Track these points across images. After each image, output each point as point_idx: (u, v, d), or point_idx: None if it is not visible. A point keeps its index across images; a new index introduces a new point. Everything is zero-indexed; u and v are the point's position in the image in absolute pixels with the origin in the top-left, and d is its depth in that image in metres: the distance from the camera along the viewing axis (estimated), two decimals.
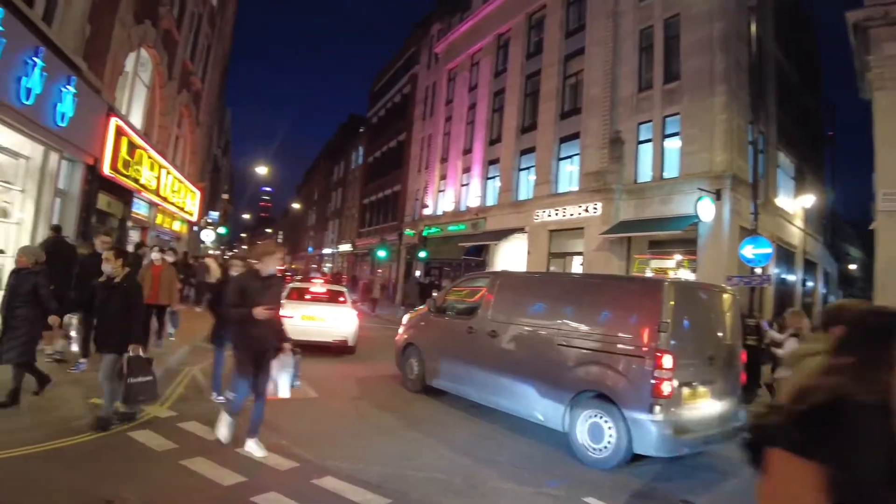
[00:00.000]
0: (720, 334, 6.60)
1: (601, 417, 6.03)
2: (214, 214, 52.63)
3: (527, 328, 7.26)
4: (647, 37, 18.71)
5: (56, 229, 9.09)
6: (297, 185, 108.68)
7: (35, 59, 8.64)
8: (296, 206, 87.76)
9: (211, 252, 36.92)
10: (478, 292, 8.65)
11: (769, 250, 12.15)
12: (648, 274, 17.75)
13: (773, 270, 18.43)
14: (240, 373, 5.50)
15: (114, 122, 12.49)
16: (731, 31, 16.02)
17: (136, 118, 15.95)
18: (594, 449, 6.02)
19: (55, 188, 10.68)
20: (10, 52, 7.93)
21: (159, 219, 19.47)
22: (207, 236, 38.52)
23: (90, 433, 5.50)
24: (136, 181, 14.62)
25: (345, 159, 59.74)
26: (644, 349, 5.81)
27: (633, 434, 5.71)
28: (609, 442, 5.91)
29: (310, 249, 75.71)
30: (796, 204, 20.84)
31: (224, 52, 36.83)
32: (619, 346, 6.07)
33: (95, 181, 12.23)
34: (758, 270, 12.73)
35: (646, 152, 18.24)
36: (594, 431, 6.07)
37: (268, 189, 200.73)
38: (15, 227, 9.95)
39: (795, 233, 20.90)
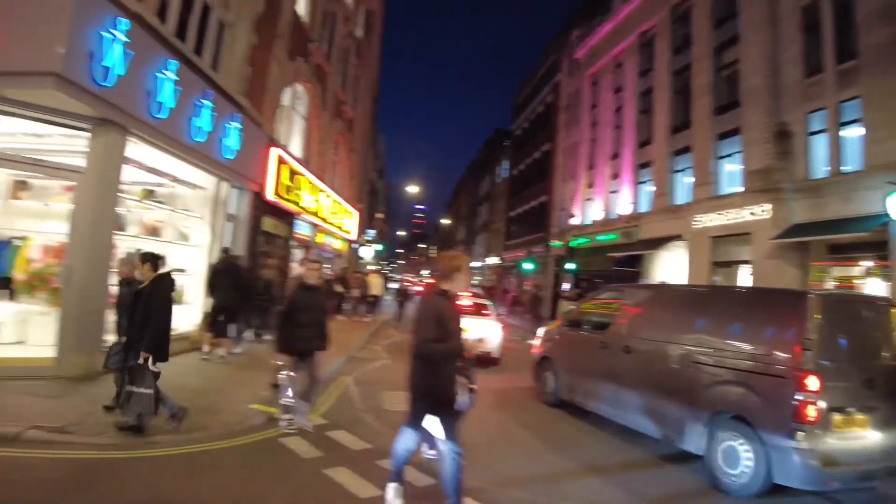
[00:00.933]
0: (885, 355, 5.65)
1: (738, 441, 5.50)
2: (371, 233, 55.57)
3: (661, 344, 6.84)
4: (812, 13, 16.59)
5: (225, 251, 10.08)
6: (446, 202, 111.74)
7: (204, 101, 9.75)
8: (445, 221, 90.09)
9: (370, 268, 39.13)
10: (611, 306, 8.46)
11: None
12: (829, 285, 15.67)
13: None
14: (415, 423, 4.46)
15: (274, 152, 13.69)
16: None
17: (295, 147, 17.27)
18: (731, 475, 5.50)
19: (226, 214, 12.13)
20: (184, 97, 8.93)
21: (320, 238, 20.86)
22: (366, 253, 40.76)
23: (248, 436, 5.98)
24: (297, 204, 15.82)
25: (490, 173, 60.36)
26: (785, 368, 5.26)
27: (772, 461, 5.15)
28: (746, 468, 5.36)
29: None
30: None
31: (373, 81, 38.91)
32: (759, 364, 5.55)
33: (261, 206, 13.51)
34: None
35: (819, 144, 16.15)
36: (731, 456, 5.55)
37: (420, 207, 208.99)
38: (194, 249, 11.10)
39: None
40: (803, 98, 16.63)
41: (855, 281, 15.01)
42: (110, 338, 8.41)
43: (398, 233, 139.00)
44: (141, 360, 5.52)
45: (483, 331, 12.19)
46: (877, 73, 14.39)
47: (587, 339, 8.43)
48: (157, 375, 5.62)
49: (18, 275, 8.18)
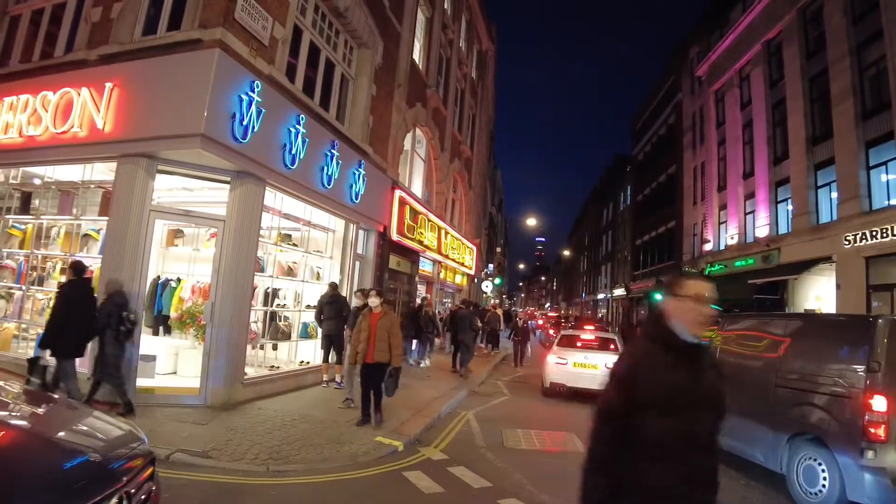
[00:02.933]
0: None
1: (815, 460, 5.87)
2: (490, 267, 55.98)
3: (740, 369, 7.32)
4: None
5: (333, 286, 10.69)
6: (568, 233, 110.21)
7: (332, 151, 10.45)
8: (566, 252, 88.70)
9: (493, 301, 39.23)
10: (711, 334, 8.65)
11: None
12: None
13: None
14: None
15: (397, 194, 14.28)
16: None
17: (417, 188, 17.82)
18: (810, 493, 5.87)
19: (355, 253, 12.84)
20: (313, 148, 9.64)
21: (443, 274, 21.27)
22: (486, 287, 41.00)
23: (373, 468, 6.19)
24: (420, 242, 16.30)
25: (613, 201, 58.77)
26: (855, 390, 5.55)
27: (845, 480, 5.44)
28: (823, 486, 5.70)
29: (583, 295, 75.45)
30: None
31: (488, 118, 39.57)
32: (831, 387, 5.86)
33: (386, 245, 14.13)
34: None
35: None
36: (809, 474, 5.92)
37: (541, 239, 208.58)
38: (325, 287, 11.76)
39: None
40: None
41: None
42: (249, 370, 9.16)
43: (519, 266, 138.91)
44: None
45: (609, 365, 11.82)
46: None
47: None
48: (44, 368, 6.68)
49: (173, 313, 9.18)
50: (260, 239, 9.17)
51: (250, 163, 8.27)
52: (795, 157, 21.90)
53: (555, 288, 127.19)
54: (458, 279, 24.49)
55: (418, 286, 18.33)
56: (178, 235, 10.07)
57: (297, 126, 9.27)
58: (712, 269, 27.98)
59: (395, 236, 14.23)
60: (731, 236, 27.41)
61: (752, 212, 25.36)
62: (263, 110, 8.15)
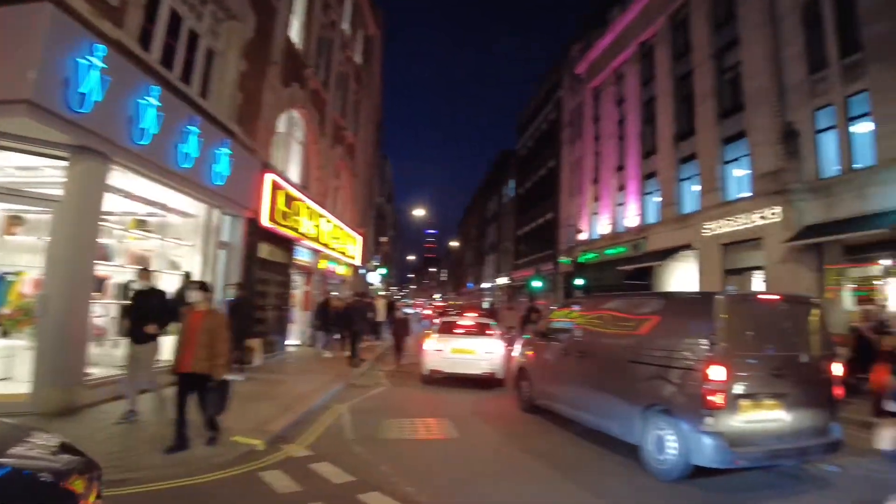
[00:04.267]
0: (794, 346, 6.26)
1: (664, 429, 6.09)
2: (376, 258, 55.43)
3: (600, 347, 7.70)
4: (813, 8, 16.16)
5: (186, 275, 9.93)
6: (457, 225, 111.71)
7: (192, 127, 9.56)
8: (454, 244, 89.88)
9: (381, 293, 38.73)
10: (570, 315, 9.12)
11: None
12: (848, 287, 15.00)
13: None
14: None
15: (269, 178, 13.44)
16: None
17: (294, 173, 17.03)
18: (659, 460, 6.10)
19: (218, 241, 11.86)
20: (169, 123, 8.85)
21: (323, 264, 20.53)
22: (374, 278, 40.56)
23: (226, 470, 5.69)
24: (296, 230, 15.51)
25: (498, 194, 60.18)
26: (696, 362, 5.87)
27: (690, 446, 5.72)
28: (671, 453, 5.95)
29: (469, 285, 76.83)
30: None
31: (375, 106, 38.93)
32: (677, 359, 6.14)
33: (256, 233, 13.27)
34: None
35: (828, 142, 15.56)
36: (659, 443, 6.13)
37: (432, 231, 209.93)
38: (183, 277, 10.85)
39: None
40: (809, 95, 16.14)
41: (874, 282, 14.38)
42: (94, 370, 8.18)
43: (408, 258, 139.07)
44: None
45: (486, 351, 12.09)
46: (883, 64, 13.91)
47: (548, 347, 9.22)
48: None
49: (5, 310, 8.01)
50: (105, 224, 8.27)
51: (91, 136, 7.29)
52: (663, 151, 23.40)
53: (445, 279, 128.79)
54: (342, 269, 23.83)
55: (295, 277, 17.55)
56: (18, 223, 8.76)
57: (151, 98, 8.33)
58: (586, 257, 29.28)
59: (266, 223, 13.39)
60: (603, 226, 28.79)
61: (623, 203, 26.84)
62: (109, 78, 7.19)
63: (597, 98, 31.50)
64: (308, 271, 18.77)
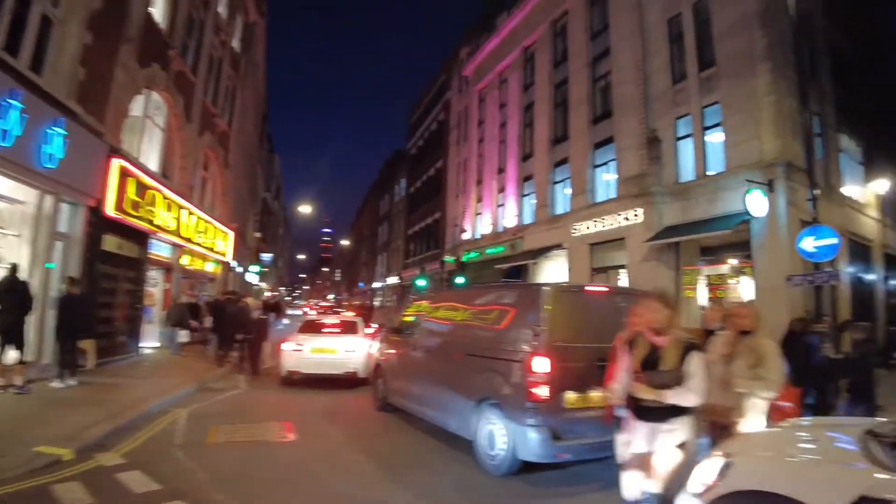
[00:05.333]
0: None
1: (496, 424, 5.98)
2: (267, 257, 53.39)
3: (442, 341, 7.61)
4: (677, 25, 17.26)
5: (12, 271, 8.83)
6: (350, 224, 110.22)
7: (10, 101, 8.46)
8: (345, 242, 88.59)
9: (270, 293, 37.00)
10: (419, 310, 8.94)
11: (834, 241, 10.37)
12: (702, 284, 16.04)
13: (848, 269, 16.41)
14: None
15: (116, 163, 12.28)
16: (770, 3, 14.38)
17: (153, 160, 15.79)
18: (490, 456, 6.01)
19: (54, 231, 10.62)
20: None
21: (189, 260, 19.22)
22: (254, 277, 38.89)
23: (13, 484, 5.06)
24: (151, 222, 14.31)
25: (390, 193, 59.85)
26: (521, 354, 5.78)
27: (516, 440, 5.64)
28: (501, 448, 5.85)
29: (360, 285, 76.00)
30: (867, 192, 18.67)
31: (258, 96, 37.45)
32: (504, 352, 6.07)
33: (100, 223, 12.03)
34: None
35: (686, 149, 16.59)
36: (490, 438, 6.04)
37: (328, 230, 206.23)
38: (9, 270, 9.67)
39: (869, 224, 18.51)
40: (671, 105, 17.13)
41: (729, 281, 15.42)
42: None
43: (299, 256, 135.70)
44: None
45: (349, 350, 11.69)
46: (733, 79, 15.01)
47: (400, 342, 9.00)
48: None
49: None
50: None
51: None
52: (539, 155, 24.07)
53: (339, 279, 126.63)
54: (210, 267, 22.46)
55: (153, 273, 16.27)
56: None
57: None
58: (469, 256, 29.61)
59: (111, 213, 12.17)
60: (485, 226, 29.24)
61: (503, 204, 27.38)
62: None
63: (482, 101, 31.94)
64: (168, 267, 17.46)
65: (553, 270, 21.93)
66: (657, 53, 17.86)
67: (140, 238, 14.54)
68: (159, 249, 16.32)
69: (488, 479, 5.86)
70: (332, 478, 5.83)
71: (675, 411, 3.64)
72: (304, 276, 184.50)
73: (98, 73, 11.54)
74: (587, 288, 6.69)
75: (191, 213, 17.68)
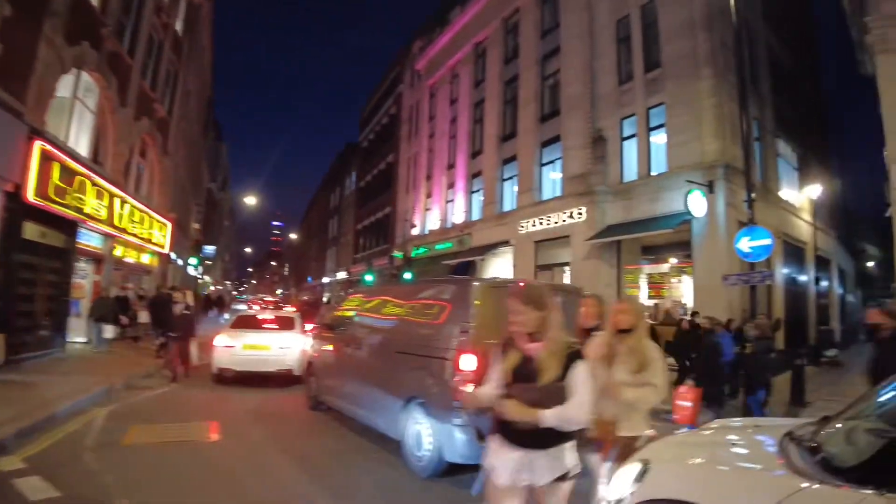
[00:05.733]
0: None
1: (422, 424, 5.79)
2: (210, 249, 51.95)
3: (372, 337, 7.35)
4: (625, 27, 17.51)
5: None
6: (301, 217, 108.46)
7: None
8: (293, 236, 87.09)
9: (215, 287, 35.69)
10: (354, 306, 8.68)
11: (768, 241, 10.59)
12: (643, 282, 16.31)
13: (783, 269, 16.95)
14: None
15: (38, 145, 11.48)
16: (714, 9, 14.67)
17: (83, 144, 14.98)
18: (417, 457, 5.83)
19: None
20: None
21: (123, 252, 18.39)
22: (193, 270, 37.75)
23: None
24: (79, 210, 13.55)
25: (340, 186, 58.96)
26: (448, 352, 5.56)
27: (442, 440, 5.46)
28: (428, 449, 5.66)
29: (309, 279, 74.87)
30: (802, 196, 19.37)
31: (204, 83, 36.27)
32: (431, 350, 5.85)
33: (19, 209, 11.24)
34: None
35: (630, 149, 16.83)
36: (418, 439, 5.84)
37: (278, 224, 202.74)
38: None
39: (804, 227, 19.21)
40: (617, 105, 17.33)
41: (666, 279, 15.71)
42: None
43: (246, 249, 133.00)
44: None
45: (283, 347, 11.23)
46: (678, 81, 15.26)
47: (332, 339, 8.63)
48: None
49: None
50: None
51: None
52: (488, 152, 24.06)
53: (288, 273, 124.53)
54: (147, 258, 21.60)
55: (79, 264, 15.45)
56: None
57: None
58: (417, 251, 29.44)
59: (32, 198, 11.44)
60: (434, 222, 29.12)
61: (453, 200, 27.28)
62: None
63: (433, 96, 31.76)
64: (98, 258, 16.63)
65: (500, 267, 21.91)
66: (605, 54, 18.03)
67: (67, 227, 13.76)
68: (89, 239, 15.52)
69: (413, 480, 5.67)
70: (250, 479, 5.54)
71: (555, 436, 2.79)
72: (251, 270, 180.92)
73: (18, 49, 10.79)
74: (520, 284, 6.48)
75: (124, 202, 16.90)
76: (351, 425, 7.65)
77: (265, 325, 12.21)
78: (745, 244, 10.89)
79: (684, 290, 15.25)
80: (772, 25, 18.58)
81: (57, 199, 12.44)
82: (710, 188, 13.85)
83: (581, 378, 2.82)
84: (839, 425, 3.22)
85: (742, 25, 13.13)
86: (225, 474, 5.69)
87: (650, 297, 16.39)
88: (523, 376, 2.89)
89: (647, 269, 16.52)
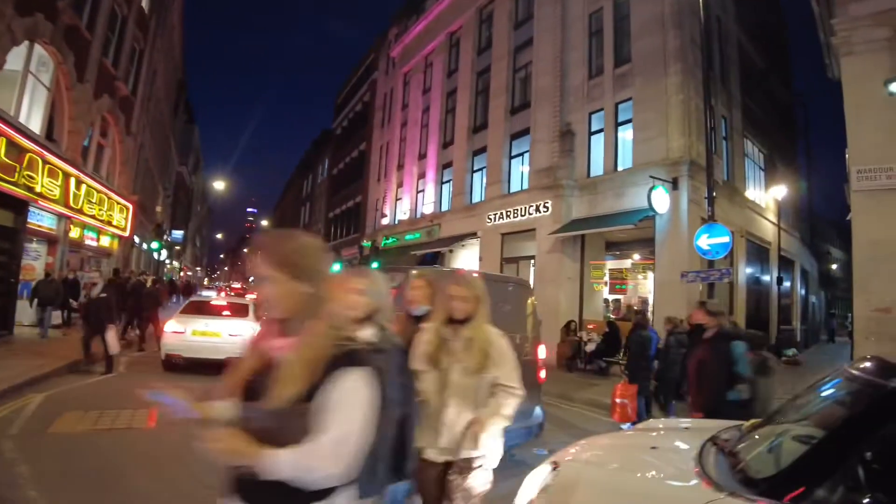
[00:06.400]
0: (504, 327, 5.79)
1: None
2: (178, 234, 51.05)
3: None
4: (597, 20, 17.34)
5: None
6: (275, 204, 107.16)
7: None
8: (265, 223, 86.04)
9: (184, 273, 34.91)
10: None
11: (726, 239, 10.60)
12: (605, 279, 16.32)
13: (746, 269, 17.09)
14: None
15: None
16: (685, 5, 14.53)
17: (35, 121, 14.49)
18: None
19: None
20: None
21: (79, 233, 17.86)
22: (161, 255, 37.05)
23: None
24: (30, 189, 13.11)
25: (313, 174, 58.19)
26: None
27: None
28: None
29: None
30: (768, 196, 19.54)
31: (174, 62, 35.41)
32: None
33: None
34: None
35: (598, 143, 16.69)
36: None
37: (252, 210, 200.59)
38: None
39: (768, 228, 19.34)
40: (586, 99, 17.20)
41: (627, 275, 15.71)
42: None
43: (217, 236, 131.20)
44: None
45: (235, 333, 10.90)
46: (645, 77, 15.18)
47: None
48: None
49: None
50: None
51: None
52: (459, 142, 23.82)
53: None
54: (107, 241, 21.01)
55: (31, 245, 14.95)
56: None
57: None
58: (387, 241, 29.17)
59: None
60: (404, 212, 28.85)
61: (423, 190, 26.98)
62: None
63: (407, 84, 31.37)
64: (52, 239, 16.10)
65: (468, 259, 21.76)
66: (576, 47, 17.88)
67: (17, 206, 13.28)
68: (41, 219, 15.00)
69: None
70: (174, 466, 5.37)
71: (288, 496, 1.56)
72: (223, 256, 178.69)
73: None
74: (459, 271, 6.25)
75: (80, 182, 16.41)
76: None
77: (217, 312, 11.93)
78: (704, 241, 10.90)
79: (648, 287, 15.26)
80: (744, 26, 18.64)
81: (3, 177, 12.05)
82: (673, 185, 13.82)
83: (342, 399, 1.59)
84: (767, 429, 3.09)
85: (713, 22, 13.16)
86: (148, 464, 5.50)
87: (612, 293, 16.42)
88: (254, 392, 1.72)
89: (611, 264, 16.49)
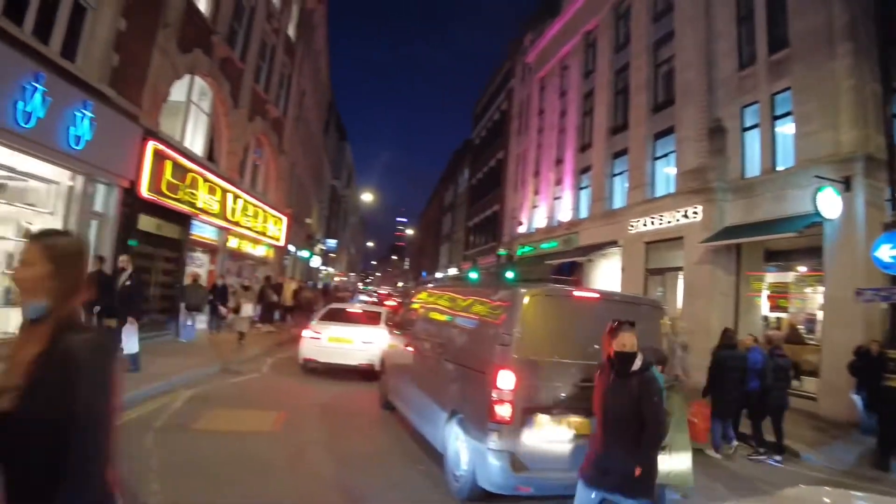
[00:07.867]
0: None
1: (463, 442, 5.25)
2: (332, 243, 54.12)
3: (429, 340, 7.02)
4: (747, 3, 15.58)
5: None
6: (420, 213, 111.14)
7: (35, 84, 8.73)
8: (410, 232, 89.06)
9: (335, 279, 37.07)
10: (420, 304, 8.50)
11: None
12: (765, 294, 14.49)
13: None
14: None
15: (151, 145, 12.49)
16: None
17: (198, 144, 16.02)
18: (455, 476, 5.36)
19: (85, 210, 10.86)
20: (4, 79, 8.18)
21: (238, 244, 19.53)
22: (314, 262, 39.51)
23: None
24: (192, 205, 14.52)
25: (454, 183, 59.41)
26: (486, 365, 5.00)
27: (477, 463, 4.91)
28: (465, 469, 5.15)
29: (423, 274, 76.29)
30: None
31: (322, 85, 37.72)
32: (475, 361, 5.36)
33: (135, 204, 12.37)
34: None
35: (753, 141, 14.95)
36: (457, 457, 5.35)
37: (402, 219, 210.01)
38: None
39: None
40: (737, 92, 15.53)
41: (805, 290, 13.81)
42: None
43: (368, 244, 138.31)
44: None
45: (367, 341, 11.26)
46: (807, 61, 13.28)
47: (399, 337, 8.64)
48: None
49: None
50: None
51: None
52: (598, 145, 22.76)
53: (408, 268, 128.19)
54: (262, 251, 22.73)
55: (193, 254, 16.49)
56: None
57: None
58: (523, 250, 28.69)
59: (146, 194, 12.40)
60: (541, 220, 28.16)
61: (560, 197, 26.15)
62: None
63: (543, 89, 30.76)
64: (213, 249, 17.69)
65: (608, 270, 20.65)
66: (724, 35, 16.27)
67: (182, 219, 14.77)
68: (202, 231, 16.50)
69: (446, 501, 5.28)
70: (283, 475, 5.52)
71: None
72: (375, 263, 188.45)
73: (133, 58, 11.76)
74: (576, 294, 5.69)
75: (237, 197, 17.80)
76: (411, 430, 7.45)
77: (352, 319, 12.32)
78: (885, 252, 9.26)
79: (816, 304, 13.29)
80: None
81: (169, 195, 13.50)
82: (846, 185, 11.97)
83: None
84: None
85: None
86: (262, 467, 5.63)
87: (773, 310, 14.46)
88: None
89: (772, 277, 14.59)
